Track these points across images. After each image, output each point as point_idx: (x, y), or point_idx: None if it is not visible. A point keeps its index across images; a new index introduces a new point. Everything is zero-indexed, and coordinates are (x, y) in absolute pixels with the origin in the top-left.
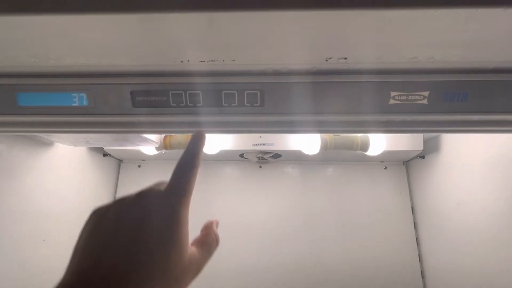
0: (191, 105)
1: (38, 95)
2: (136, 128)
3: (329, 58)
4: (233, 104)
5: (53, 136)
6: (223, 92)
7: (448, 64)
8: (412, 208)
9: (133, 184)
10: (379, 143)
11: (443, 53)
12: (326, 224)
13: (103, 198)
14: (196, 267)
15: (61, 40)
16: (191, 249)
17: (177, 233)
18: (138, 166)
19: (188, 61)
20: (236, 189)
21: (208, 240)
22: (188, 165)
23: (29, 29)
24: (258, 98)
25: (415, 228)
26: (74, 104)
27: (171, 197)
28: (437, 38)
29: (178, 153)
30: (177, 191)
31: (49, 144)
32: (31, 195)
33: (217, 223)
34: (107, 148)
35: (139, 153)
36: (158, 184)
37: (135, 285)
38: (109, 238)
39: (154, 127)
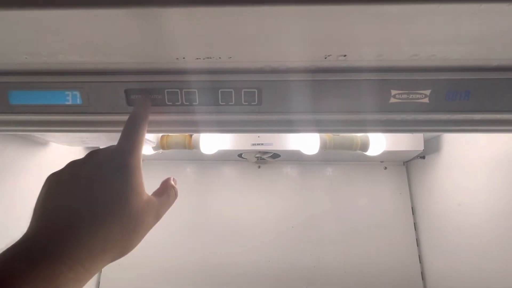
0: (187, 103)
1: (31, 93)
2: None
3: (328, 56)
4: (230, 103)
5: (48, 136)
6: (220, 90)
7: (450, 61)
8: (412, 209)
9: None
10: (379, 143)
11: (445, 50)
12: (325, 225)
13: None
14: (155, 211)
15: (53, 36)
16: (148, 195)
17: (128, 178)
18: None
19: (184, 58)
20: (234, 190)
21: (167, 191)
22: (136, 123)
23: (19, 24)
24: (255, 96)
25: (415, 229)
26: (67, 103)
27: (120, 150)
28: (439, 35)
29: (177, 153)
30: (125, 145)
31: (44, 143)
32: (25, 196)
33: (175, 180)
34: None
35: None
36: (108, 146)
37: (93, 225)
38: (65, 192)
39: (149, 126)
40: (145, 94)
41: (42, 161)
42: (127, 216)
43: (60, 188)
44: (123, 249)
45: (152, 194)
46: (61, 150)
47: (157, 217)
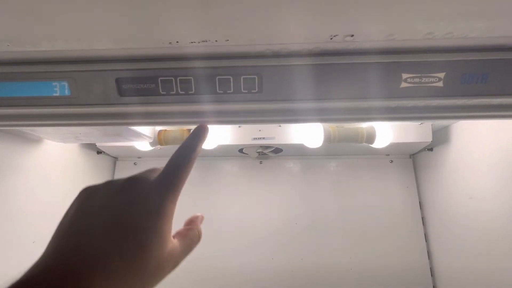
0: (183, 92)
1: (16, 84)
2: (123, 119)
3: (334, 36)
4: (228, 91)
5: (40, 132)
6: (217, 77)
7: (468, 40)
8: (420, 203)
9: None
10: (385, 134)
11: (463, 27)
12: (330, 221)
13: None
14: (174, 261)
15: (33, 19)
16: (172, 242)
17: (159, 227)
18: (134, 163)
19: (177, 42)
20: (236, 186)
21: (190, 235)
22: (183, 159)
23: None
24: (255, 83)
25: (423, 224)
26: (55, 94)
27: (160, 190)
28: (458, 9)
29: (174, 149)
30: (167, 184)
31: (37, 140)
32: (19, 195)
33: (202, 218)
34: (100, 144)
35: (134, 150)
36: (151, 171)
37: (111, 274)
38: (92, 222)
39: (143, 118)
40: (204, 123)
41: (36, 158)
42: (148, 270)
43: (90, 215)
44: None
45: (175, 236)
46: (55, 147)
47: (174, 267)
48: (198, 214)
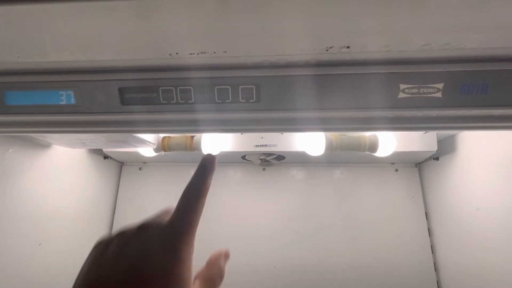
0: (182, 102)
1: (26, 93)
2: (125, 127)
3: (330, 48)
4: (226, 101)
5: (48, 137)
6: (216, 87)
7: (466, 51)
8: (426, 214)
9: (135, 187)
10: (388, 143)
11: (460, 38)
12: (333, 230)
13: (104, 201)
14: None
15: (41, 33)
16: (194, 286)
17: (178, 274)
18: (140, 168)
19: (177, 53)
20: (239, 193)
21: (213, 275)
22: (194, 196)
23: (5, 21)
24: (253, 93)
25: (429, 235)
26: (61, 103)
27: (174, 234)
28: (453, 21)
29: (179, 155)
30: (181, 226)
31: (46, 146)
32: (27, 198)
33: (227, 256)
34: (106, 150)
35: (140, 155)
36: (162, 214)
37: None
38: (106, 274)
39: (144, 126)
40: (211, 155)
41: (45, 163)
42: None
43: (104, 268)
44: None
45: (196, 276)
46: (64, 152)
47: None
48: (222, 250)
